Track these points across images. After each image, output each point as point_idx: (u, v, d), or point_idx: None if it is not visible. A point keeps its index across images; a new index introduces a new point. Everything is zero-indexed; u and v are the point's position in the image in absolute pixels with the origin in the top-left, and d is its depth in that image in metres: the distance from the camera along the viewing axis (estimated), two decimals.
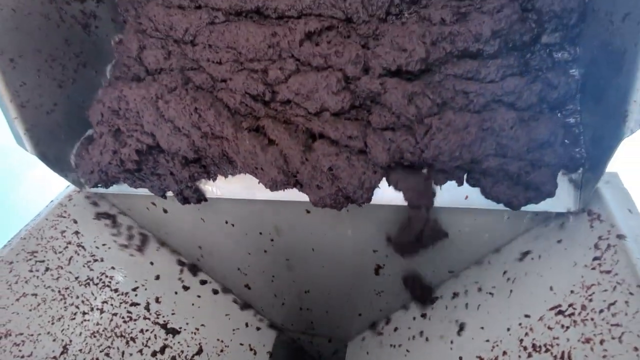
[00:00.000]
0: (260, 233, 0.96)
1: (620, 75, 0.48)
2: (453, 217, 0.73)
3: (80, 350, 0.90)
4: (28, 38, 0.87)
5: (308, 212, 0.85)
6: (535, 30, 0.64)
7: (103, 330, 0.94)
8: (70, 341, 0.89)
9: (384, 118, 0.70)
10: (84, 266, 0.99)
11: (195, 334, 1.09)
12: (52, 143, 0.94)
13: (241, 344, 1.17)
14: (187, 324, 1.09)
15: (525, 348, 0.59)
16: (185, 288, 1.14)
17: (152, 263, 1.11)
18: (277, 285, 1.12)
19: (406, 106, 0.68)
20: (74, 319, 0.92)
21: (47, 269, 0.93)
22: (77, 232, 1.01)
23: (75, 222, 1.02)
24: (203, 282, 1.18)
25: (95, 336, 0.93)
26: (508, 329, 0.63)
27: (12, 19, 0.84)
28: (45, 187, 2.27)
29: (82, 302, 0.94)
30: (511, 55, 0.66)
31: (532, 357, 0.57)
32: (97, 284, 0.99)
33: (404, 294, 0.95)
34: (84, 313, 0.94)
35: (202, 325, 1.11)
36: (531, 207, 0.63)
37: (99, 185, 0.98)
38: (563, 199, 0.63)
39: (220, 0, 0.84)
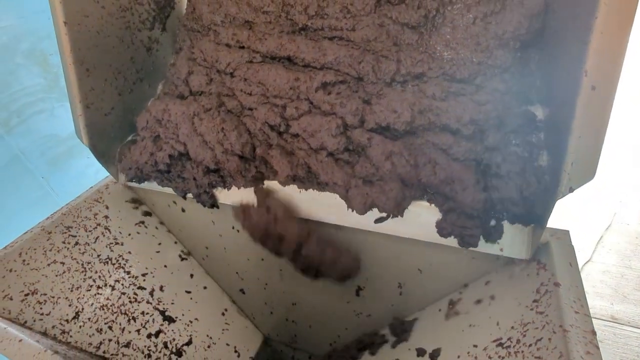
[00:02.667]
0: None
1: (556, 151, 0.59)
2: (426, 250, 0.83)
3: (89, 319, 1.02)
4: (103, 54, 1.09)
5: None
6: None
7: (111, 306, 1.07)
8: (83, 309, 1.02)
9: (365, 169, 0.83)
10: (106, 247, 1.14)
11: (188, 325, 1.19)
12: (103, 139, 1.13)
13: (227, 344, 1.26)
14: (182, 315, 1.20)
15: None
16: (187, 283, 1.26)
17: (162, 255, 1.24)
18: (269, 293, 1.22)
19: (384, 162, 0.80)
20: (89, 290, 1.06)
21: (76, 243, 1.08)
22: (106, 217, 1.17)
23: (107, 207, 1.18)
24: (203, 280, 1.30)
25: (103, 309, 1.05)
26: (458, 357, 0.71)
27: (95, 38, 1.06)
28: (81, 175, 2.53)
29: (99, 277, 1.08)
30: (481, 143, 0.77)
31: None
32: (114, 264, 1.13)
33: (379, 319, 1.03)
34: (98, 287, 1.07)
35: (196, 319, 1.22)
36: (494, 251, 0.73)
37: (134, 180, 1.15)
38: (519, 247, 0.72)
39: (260, 45, 1.02)
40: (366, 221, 0.84)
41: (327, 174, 0.87)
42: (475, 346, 0.69)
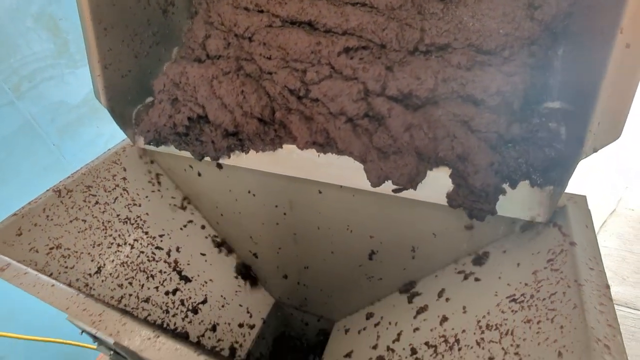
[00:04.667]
0: (276, 206, 1.11)
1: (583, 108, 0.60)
2: (442, 215, 0.85)
3: (111, 274, 1.06)
4: (121, 14, 1.07)
5: (320, 192, 0.99)
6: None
7: (130, 263, 1.11)
8: (104, 264, 1.06)
9: (383, 139, 0.83)
10: (125, 207, 1.16)
11: (203, 285, 1.23)
12: (121, 101, 1.14)
13: (240, 305, 1.31)
14: (198, 275, 1.24)
15: (480, 327, 0.70)
16: (202, 245, 1.30)
17: (179, 218, 1.27)
18: (282, 257, 1.25)
19: (402, 134, 0.81)
20: (110, 247, 1.09)
21: (96, 203, 1.11)
22: (124, 179, 1.19)
23: (125, 170, 1.20)
24: (219, 244, 1.34)
25: (123, 266, 1.09)
26: (475, 316, 0.74)
27: None
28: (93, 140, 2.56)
29: (119, 235, 1.12)
30: (506, 114, 0.76)
31: (484, 334, 0.68)
32: (132, 224, 1.16)
33: (390, 282, 1.07)
34: (118, 245, 1.11)
35: (211, 280, 1.26)
36: (511, 214, 0.74)
37: (151, 143, 1.17)
38: (537, 210, 0.73)
39: (280, 9, 1.01)
40: (383, 186, 0.86)
41: (344, 142, 0.88)
42: (485, 302, 0.72)
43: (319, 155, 0.93)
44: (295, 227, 1.13)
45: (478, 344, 0.67)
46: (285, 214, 1.11)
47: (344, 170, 0.90)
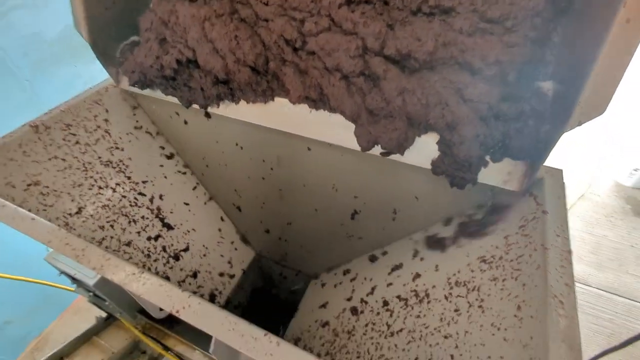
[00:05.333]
0: (263, 160, 1.11)
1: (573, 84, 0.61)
2: (425, 179, 0.87)
3: (92, 215, 1.05)
4: None
5: (309, 149, 0.99)
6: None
7: (112, 206, 1.10)
8: (85, 206, 1.05)
9: (376, 101, 0.83)
10: (107, 150, 1.13)
11: (186, 234, 1.25)
12: (103, 35, 1.07)
13: (222, 256, 1.34)
14: (181, 224, 1.25)
15: (449, 283, 0.75)
16: (186, 195, 1.30)
17: (162, 166, 1.26)
18: (265, 212, 1.27)
19: (395, 97, 0.80)
20: (91, 189, 1.07)
21: (77, 142, 1.07)
22: (106, 120, 1.15)
23: (107, 111, 1.16)
24: (201, 194, 1.34)
25: (105, 208, 1.08)
26: (446, 273, 0.79)
27: None
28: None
29: (100, 178, 1.09)
30: (500, 86, 0.76)
31: (452, 289, 0.73)
32: (114, 168, 1.13)
33: (369, 241, 1.11)
34: (100, 187, 1.09)
35: (193, 229, 1.27)
36: (491, 182, 0.77)
37: (136, 85, 1.11)
38: (515, 181, 0.77)
39: None
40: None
41: (337, 100, 0.87)
42: (456, 261, 0.77)
43: (310, 111, 0.92)
44: (281, 182, 1.14)
45: (446, 297, 0.73)
46: (272, 169, 1.11)
47: (334, 129, 0.90)
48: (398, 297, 0.85)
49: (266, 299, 1.52)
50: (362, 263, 1.12)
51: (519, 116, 0.74)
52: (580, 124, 0.60)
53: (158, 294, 0.59)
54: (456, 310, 0.68)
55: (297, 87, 0.89)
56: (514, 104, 0.75)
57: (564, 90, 0.68)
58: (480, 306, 0.65)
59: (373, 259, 1.08)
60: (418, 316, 0.75)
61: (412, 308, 0.79)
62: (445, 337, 0.66)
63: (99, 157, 1.11)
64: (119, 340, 1.83)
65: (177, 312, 0.57)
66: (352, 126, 0.88)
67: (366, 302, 0.95)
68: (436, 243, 0.89)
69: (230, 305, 1.34)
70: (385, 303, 0.87)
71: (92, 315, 2.19)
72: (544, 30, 0.79)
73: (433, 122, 0.79)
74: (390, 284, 0.93)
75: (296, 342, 1.08)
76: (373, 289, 0.97)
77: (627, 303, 2.41)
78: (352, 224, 1.09)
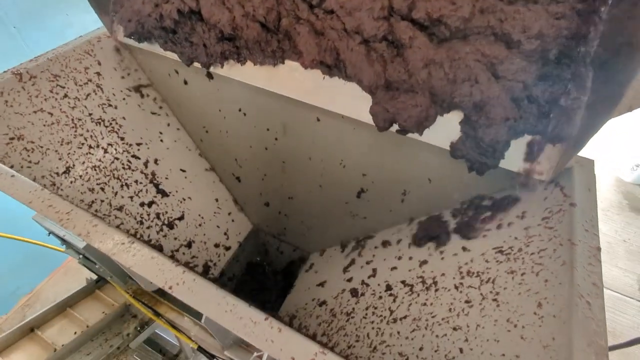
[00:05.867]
0: (268, 129, 1.03)
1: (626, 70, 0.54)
2: (442, 161, 0.81)
3: (81, 176, 0.99)
4: None
5: (318, 120, 0.92)
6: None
7: (103, 168, 1.03)
8: (74, 165, 0.98)
9: (398, 72, 0.74)
10: (98, 106, 1.05)
11: (181, 202, 1.19)
12: None
13: (218, 227, 1.29)
14: (176, 191, 1.18)
15: (460, 273, 0.71)
16: (183, 161, 1.23)
17: (158, 128, 1.18)
18: (266, 184, 1.21)
19: (420, 70, 0.72)
20: (80, 148, 1.00)
21: (65, 96, 0.98)
22: (99, 74, 1.06)
23: (100, 63, 1.06)
24: (199, 162, 1.27)
25: (95, 170, 1.01)
26: (458, 261, 0.74)
27: None
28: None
29: (91, 136, 1.02)
30: (539, 63, 0.68)
31: (464, 279, 0.69)
32: (106, 127, 1.05)
33: (374, 222, 1.06)
34: (90, 147, 1.02)
35: (189, 198, 1.21)
36: (515, 168, 0.71)
37: (132, 36, 1.01)
38: (543, 169, 0.71)
39: None
40: None
41: (355, 67, 0.78)
42: (468, 250, 0.73)
43: (323, 78, 0.84)
44: (285, 154, 1.07)
45: (456, 287, 0.69)
46: (276, 139, 1.04)
47: (348, 99, 0.82)
48: (403, 282, 0.82)
49: (261, 272, 1.49)
50: (365, 244, 1.08)
51: (556, 99, 0.67)
52: (631, 109, 0.54)
53: (149, 268, 0.54)
54: (467, 302, 0.65)
55: (311, 49, 0.80)
56: (552, 85, 0.67)
57: (614, 70, 0.60)
58: (495, 299, 0.61)
59: (377, 241, 1.04)
60: (424, 304, 0.72)
61: (418, 295, 0.75)
62: (454, 329, 0.62)
63: (90, 114, 1.03)
64: (109, 302, 1.81)
65: (170, 288, 0.52)
66: (369, 98, 0.80)
67: (367, 285, 0.91)
68: (446, 229, 0.84)
69: (224, 277, 1.31)
70: (389, 287, 0.84)
71: (83, 275, 2.17)
72: (591, 3, 0.70)
73: (459, 100, 0.71)
74: (395, 267, 0.89)
75: (291, 319, 1.06)
76: (375, 271, 0.94)
77: (614, 296, 2.44)
78: (358, 202, 1.04)
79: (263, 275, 1.48)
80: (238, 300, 0.50)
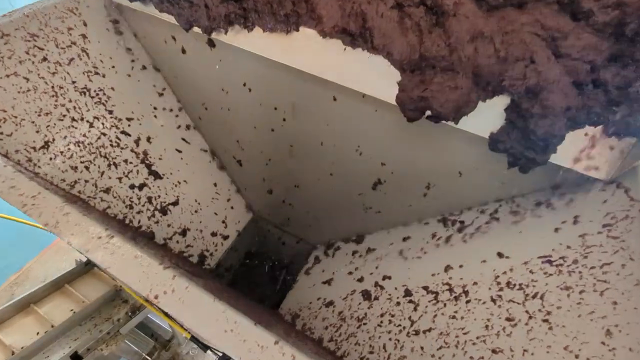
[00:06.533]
0: (275, 108, 0.91)
1: None
2: (477, 152, 0.70)
3: (62, 152, 0.87)
4: None
5: (334, 99, 0.80)
6: None
7: (88, 144, 0.91)
8: (53, 139, 0.86)
9: (437, 47, 0.62)
10: (83, 74, 0.92)
11: (176, 186, 1.08)
12: None
13: (215, 214, 1.19)
14: (171, 174, 1.07)
15: (498, 283, 0.61)
16: (179, 141, 1.11)
17: (153, 102, 1.05)
18: (270, 170, 1.10)
19: (465, 44, 0.60)
20: (61, 120, 0.88)
21: (44, 59, 0.86)
22: (84, 36, 0.93)
23: (85, 24, 0.93)
24: (196, 142, 1.15)
25: (79, 146, 0.90)
26: (494, 269, 0.64)
27: None
28: None
29: (74, 107, 0.90)
30: (612, 39, 0.56)
31: (502, 291, 0.59)
32: (92, 97, 0.93)
33: (389, 218, 0.96)
34: (73, 119, 0.90)
35: (185, 181, 1.10)
36: (565, 164, 0.61)
37: None
38: (601, 165, 0.60)
39: None
40: None
41: (384, 37, 0.66)
42: (507, 257, 0.63)
43: (344, 49, 0.72)
44: (293, 137, 0.96)
45: (493, 300, 0.59)
46: (284, 119, 0.93)
47: (373, 76, 0.70)
48: (425, 288, 0.72)
49: (260, 264, 1.40)
50: (377, 240, 0.98)
51: (628, 85, 0.56)
52: None
53: (131, 270, 0.43)
54: (509, 320, 0.55)
55: (333, 13, 0.68)
56: (625, 67, 0.56)
57: None
58: (545, 320, 0.51)
59: (393, 237, 0.94)
60: (453, 317, 0.62)
61: (445, 305, 0.65)
62: (494, 351, 0.53)
63: (74, 82, 0.90)
64: (98, 287, 1.72)
65: (156, 297, 0.41)
66: (397, 76, 0.68)
67: (382, 288, 0.81)
68: (476, 230, 0.74)
69: (221, 268, 1.21)
70: (408, 293, 0.74)
71: (74, 256, 2.07)
72: None
73: (509, 83, 0.60)
74: (414, 270, 0.79)
75: (294, 318, 0.97)
76: (390, 272, 0.84)
77: None
78: (373, 195, 0.93)
79: (262, 267, 1.39)
80: (241, 317, 0.40)
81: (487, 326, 0.56)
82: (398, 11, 0.66)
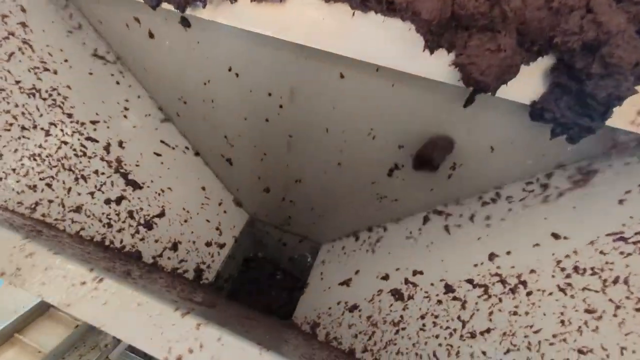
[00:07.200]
0: (270, 94, 0.79)
1: None
2: (513, 123, 0.62)
3: (14, 170, 0.71)
4: None
5: (342, 76, 0.69)
6: None
7: (47, 157, 0.75)
8: (1, 155, 0.70)
9: (474, 1, 0.52)
10: (29, 71, 0.75)
11: (159, 194, 0.94)
12: None
13: (208, 221, 1.05)
14: (152, 182, 0.93)
15: (562, 269, 0.53)
16: (157, 143, 0.96)
17: (121, 99, 0.90)
18: (266, 166, 0.98)
19: None
20: (8, 130, 0.71)
21: None
22: (24, 25, 0.75)
23: (24, 10, 0.75)
24: (177, 142, 1.00)
25: (35, 160, 0.74)
26: (553, 253, 0.57)
27: None
28: None
29: (23, 113, 0.73)
30: None
31: (570, 278, 0.51)
32: (45, 99, 0.77)
33: (407, 205, 0.87)
34: (23, 128, 0.73)
35: (169, 188, 0.96)
36: (623, 126, 0.53)
37: None
38: None
39: None
40: (442, 70, 0.58)
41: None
42: (564, 238, 0.55)
43: (353, 14, 0.60)
44: (293, 126, 0.84)
45: (561, 289, 0.51)
46: (281, 106, 0.80)
47: (390, 43, 0.60)
48: (469, 281, 0.64)
49: (260, 268, 1.28)
50: (396, 232, 0.89)
51: None
52: None
53: (136, 325, 0.31)
54: (590, 311, 0.48)
55: None
56: None
57: None
58: (639, 309, 0.44)
59: (412, 225, 0.85)
60: (515, 313, 0.54)
61: (500, 300, 0.57)
62: (581, 351, 0.45)
63: (18, 82, 0.73)
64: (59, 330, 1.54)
65: (180, 358, 0.30)
66: (419, 42, 0.58)
67: (414, 285, 0.73)
68: (519, 209, 0.67)
69: (220, 280, 1.09)
70: (449, 288, 0.66)
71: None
72: None
73: (562, 40, 0.51)
74: (449, 262, 0.71)
75: (313, 327, 0.87)
76: (421, 267, 0.75)
77: None
78: (388, 182, 0.84)
79: (264, 273, 1.28)
80: None
81: (562, 321, 0.49)
82: None
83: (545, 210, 0.62)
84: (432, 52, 0.59)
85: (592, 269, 0.51)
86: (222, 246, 1.08)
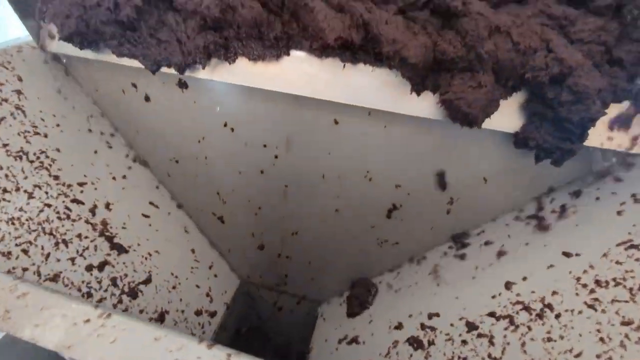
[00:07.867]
0: (265, 145, 0.81)
1: None
2: (501, 153, 0.66)
3: None
4: None
5: (336, 122, 0.73)
6: None
7: (27, 220, 0.70)
8: None
9: (453, 47, 0.60)
10: (19, 134, 0.74)
11: (146, 259, 0.87)
12: None
13: (197, 286, 0.97)
14: (138, 245, 0.86)
15: (584, 285, 0.52)
16: (145, 204, 0.92)
17: (110, 160, 0.88)
18: (261, 220, 0.95)
19: (484, 41, 0.60)
20: None
21: None
22: (19, 92, 0.76)
23: (20, 79, 0.77)
24: (167, 202, 0.97)
25: (13, 224, 0.68)
26: (569, 271, 0.56)
27: None
28: None
29: (7, 175, 0.69)
30: (616, 20, 0.60)
31: (595, 293, 0.50)
32: (32, 162, 0.74)
33: (408, 248, 0.86)
34: (5, 190, 0.69)
35: (157, 252, 0.90)
36: (604, 145, 0.58)
37: (71, 40, 0.76)
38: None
39: None
40: (428, 109, 0.64)
41: (394, 43, 0.60)
42: (576, 255, 0.55)
43: (344, 67, 0.67)
44: (288, 175, 0.85)
45: (591, 306, 0.50)
46: (276, 157, 0.82)
47: (379, 88, 0.65)
48: (491, 314, 0.60)
49: (255, 339, 1.15)
50: (401, 275, 0.85)
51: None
52: None
53: None
54: (626, 323, 0.46)
55: (335, 24, 0.63)
56: (635, 44, 0.58)
57: None
58: None
59: (417, 267, 0.82)
60: (548, 339, 0.51)
61: (529, 329, 0.54)
62: None
63: (5, 145, 0.71)
64: None
65: None
66: (406, 86, 0.64)
67: (432, 329, 0.68)
68: (530, 230, 0.67)
69: None
70: (472, 326, 0.62)
71: None
72: None
73: (532, 75, 0.58)
74: (464, 298, 0.67)
75: None
76: (435, 309, 0.71)
77: None
78: (388, 224, 0.83)
79: (258, 341, 1.15)
80: None
81: (601, 339, 0.46)
82: (402, 17, 0.64)
83: (549, 233, 0.63)
84: (418, 94, 0.65)
85: (614, 279, 0.50)
86: (213, 315, 0.98)
